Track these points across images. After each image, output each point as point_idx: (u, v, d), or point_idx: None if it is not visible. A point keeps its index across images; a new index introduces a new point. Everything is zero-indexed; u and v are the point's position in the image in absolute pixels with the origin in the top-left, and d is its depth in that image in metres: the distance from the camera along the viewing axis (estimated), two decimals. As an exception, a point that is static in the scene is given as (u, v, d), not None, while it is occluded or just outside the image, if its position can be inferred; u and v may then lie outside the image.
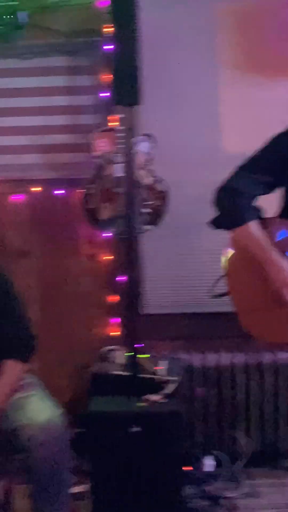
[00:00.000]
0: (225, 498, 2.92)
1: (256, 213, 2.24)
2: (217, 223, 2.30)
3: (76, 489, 2.77)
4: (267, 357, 3.16)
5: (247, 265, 2.24)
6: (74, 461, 2.52)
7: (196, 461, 3.09)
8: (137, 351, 2.80)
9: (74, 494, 2.70)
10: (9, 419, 2.38)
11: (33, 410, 2.36)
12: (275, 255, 2.18)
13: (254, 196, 2.24)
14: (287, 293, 2.17)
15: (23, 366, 2.50)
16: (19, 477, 2.70)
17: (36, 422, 2.30)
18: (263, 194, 2.25)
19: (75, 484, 2.79)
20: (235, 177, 2.25)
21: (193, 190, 3.11)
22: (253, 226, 2.21)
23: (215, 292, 2.36)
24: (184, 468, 2.75)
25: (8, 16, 3.03)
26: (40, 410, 2.35)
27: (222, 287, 2.33)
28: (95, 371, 2.82)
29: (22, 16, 3.03)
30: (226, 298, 2.32)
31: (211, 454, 3.13)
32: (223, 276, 2.31)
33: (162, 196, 3.02)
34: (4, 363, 2.46)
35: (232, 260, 2.30)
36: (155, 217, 3.03)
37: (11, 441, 2.39)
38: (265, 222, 2.23)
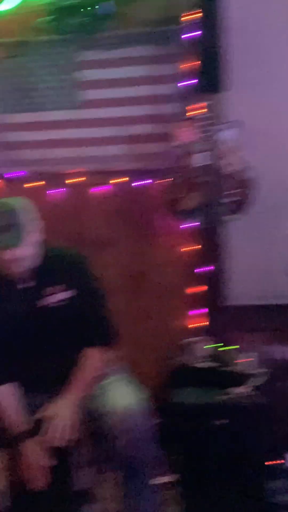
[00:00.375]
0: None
1: None
2: None
3: (164, 479, 2.77)
4: None
5: None
6: (160, 451, 2.52)
7: (282, 456, 3.03)
8: (221, 343, 2.77)
9: (162, 484, 2.71)
10: (94, 406, 2.41)
11: (117, 396, 2.37)
12: None
13: None
14: None
15: (105, 355, 2.52)
16: (108, 464, 2.75)
17: (120, 408, 2.31)
18: None
19: (164, 474, 2.80)
20: None
21: (280, 177, 3.02)
22: None
23: None
24: (269, 463, 2.70)
25: (92, 8, 3.05)
26: (123, 396, 2.37)
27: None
28: (178, 362, 2.80)
29: (107, 6, 3.03)
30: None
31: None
32: None
33: (248, 184, 2.96)
34: (85, 351, 2.49)
35: None
36: (241, 205, 2.98)
37: (98, 427, 2.44)
38: None
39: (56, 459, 2.39)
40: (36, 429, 2.41)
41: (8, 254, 2.32)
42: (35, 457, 2.35)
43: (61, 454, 2.40)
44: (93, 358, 2.48)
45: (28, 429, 2.40)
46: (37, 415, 2.43)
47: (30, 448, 2.36)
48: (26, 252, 2.37)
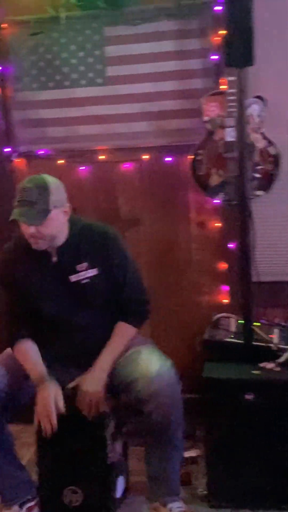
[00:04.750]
0: None
1: None
2: None
3: (189, 454, 2.80)
4: None
5: None
6: (187, 426, 2.53)
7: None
8: (250, 318, 2.77)
9: (187, 458, 2.73)
10: (122, 374, 2.44)
11: (144, 363, 2.40)
12: None
13: None
14: None
15: (136, 330, 2.54)
16: (135, 439, 2.78)
17: (149, 373, 2.35)
18: None
19: (189, 448, 2.82)
20: None
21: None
22: None
23: None
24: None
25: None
26: (150, 362, 2.40)
27: None
28: (208, 338, 2.80)
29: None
30: None
31: None
32: None
33: (274, 160, 2.93)
34: (118, 325, 2.50)
35: None
36: (267, 182, 2.96)
37: (127, 396, 2.46)
38: None
39: (91, 432, 2.42)
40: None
41: (32, 229, 2.33)
42: (48, 402, 2.35)
43: (96, 428, 2.44)
44: (124, 334, 2.51)
45: (44, 376, 2.41)
46: (69, 385, 2.46)
47: (44, 393, 2.37)
48: (49, 231, 2.38)
